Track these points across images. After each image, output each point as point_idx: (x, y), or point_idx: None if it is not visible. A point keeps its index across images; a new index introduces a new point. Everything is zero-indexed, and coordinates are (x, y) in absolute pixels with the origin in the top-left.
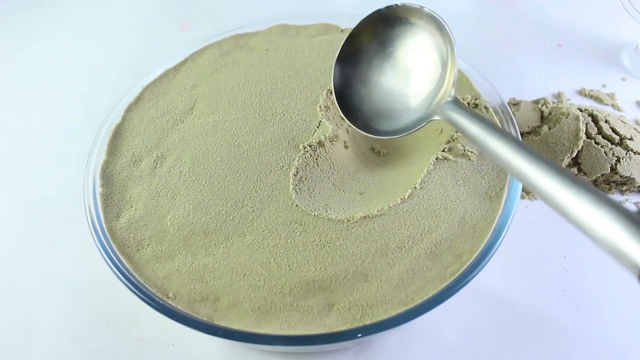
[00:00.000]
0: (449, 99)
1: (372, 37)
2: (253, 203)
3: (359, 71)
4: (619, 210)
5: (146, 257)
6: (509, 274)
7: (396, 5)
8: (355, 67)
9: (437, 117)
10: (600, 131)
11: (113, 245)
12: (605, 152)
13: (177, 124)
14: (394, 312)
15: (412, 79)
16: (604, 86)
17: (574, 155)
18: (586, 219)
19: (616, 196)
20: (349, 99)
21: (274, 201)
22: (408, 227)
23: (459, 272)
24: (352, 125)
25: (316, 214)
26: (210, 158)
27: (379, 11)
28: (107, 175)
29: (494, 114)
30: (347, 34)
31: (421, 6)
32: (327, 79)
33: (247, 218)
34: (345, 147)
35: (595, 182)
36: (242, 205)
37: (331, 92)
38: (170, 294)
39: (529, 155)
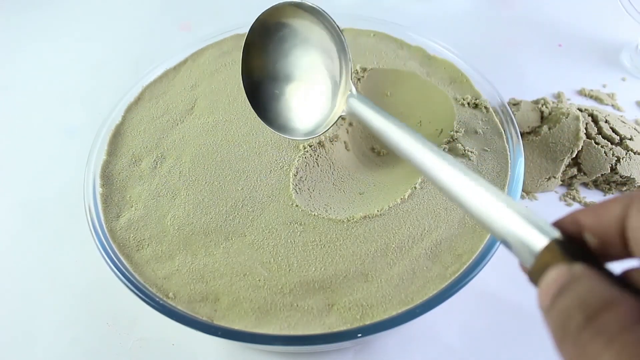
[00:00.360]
0: (349, 93)
1: (271, 33)
2: (253, 203)
3: (267, 69)
4: (510, 201)
5: (146, 257)
6: (509, 274)
7: (285, 2)
8: (261, 65)
9: (343, 113)
10: (600, 131)
11: (113, 245)
12: (605, 152)
13: (177, 124)
14: (394, 312)
15: (314, 77)
16: (604, 86)
17: (574, 156)
18: (483, 210)
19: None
20: (262, 98)
21: (274, 201)
22: (408, 227)
23: (459, 272)
24: (273, 129)
25: (316, 214)
26: (210, 158)
27: (274, 7)
28: (107, 175)
29: (494, 114)
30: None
31: (311, 4)
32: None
33: (247, 218)
34: (347, 149)
35: (595, 182)
36: (242, 205)
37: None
38: (170, 294)
39: (428, 147)
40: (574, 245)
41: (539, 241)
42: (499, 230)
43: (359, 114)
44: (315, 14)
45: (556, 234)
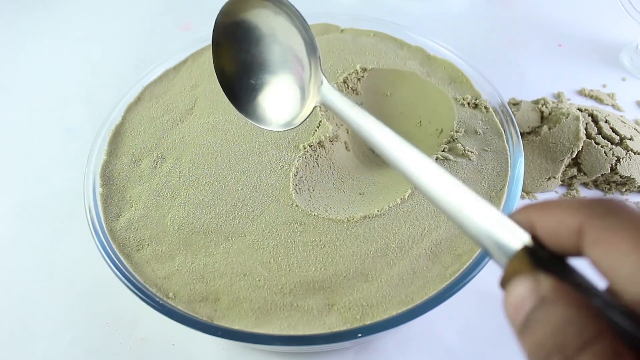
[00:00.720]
0: (320, 83)
1: (237, 25)
2: (253, 203)
3: (238, 61)
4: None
5: (146, 257)
6: None
7: None
8: (232, 56)
9: (316, 104)
10: (600, 131)
11: (113, 245)
12: (605, 152)
13: (177, 124)
14: (394, 312)
15: (285, 67)
16: (604, 86)
17: (574, 156)
18: (455, 205)
19: (616, 196)
20: (237, 91)
21: (274, 201)
22: (408, 227)
23: (459, 272)
24: (251, 121)
25: (316, 214)
26: (210, 158)
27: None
28: (107, 175)
29: (494, 114)
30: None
31: None
32: (327, 79)
33: (247, 218)
34: (347, 149)
35: (595, 182)
36: (242, 205)
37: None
38: (170, 294)
39: (398, 138)
40: (545, 251)
41: (510, 247)
42: (475, 235)
43: (330, 103)
44: (278, 3)
45: (527, 239)
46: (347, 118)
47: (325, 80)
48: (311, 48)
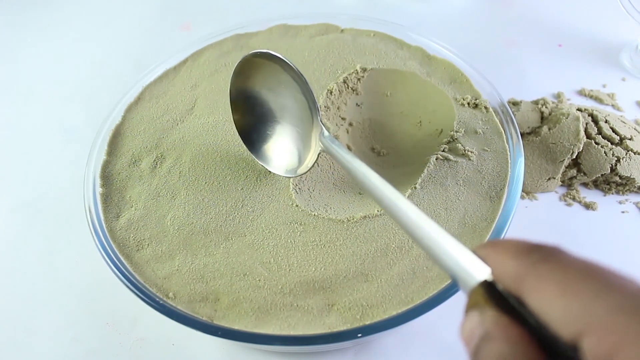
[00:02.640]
0: (321, 131)
1: (248, 81)
2: (253, 203)
3: (253, 113)
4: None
5: (146, 257)
6: None
7: (254, 53)
8: (247, 109)
9: (319, 150)
10: (600, 131)
11: (113, 245)
12: (605, 152)
13: (177, 124)
14: (394, 312)
15: (292, 119)
16: (604, 86)
17: (574, 157)
18: (431, 243)
19: (616, 196)
20: (252, 139)
21: (274, 201)
22: None
23: None
24: (265, 166)
25: (316, 214)
26: (210, 158)
27: (244, 58)
28: (107, 175)
29: (494, 114)
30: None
31: (273, 53)
32: (327, 79)
33: (247, 218)
34: (350, 150)
35: (595, 182)
36: (242, 205)
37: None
38: (170, 294)
39: (387, 186)
40: (502, 285)
41: (472, 280)
42: (446, 268)
43: (331, 151)
44: (281, 62)
45: (487, 274)
46: (344, 163)
47: (324, 130)
48: (312, 102)
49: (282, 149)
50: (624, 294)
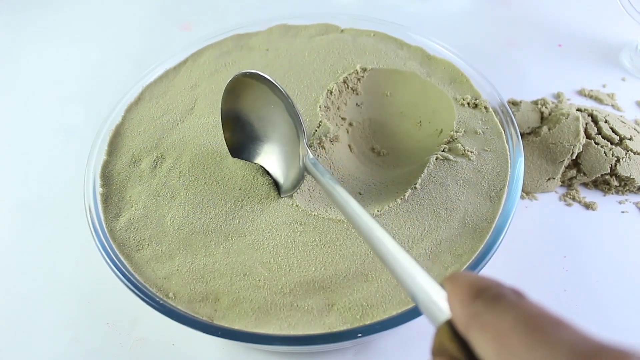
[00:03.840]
0: (306, 154)
1: (238, 101)
2: (252, 203)
3: (243, 133)
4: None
5: (146, 257)
6: (509, 274)
7: (244, 73)
8: (238, 128)
9: (305, 171)
10: (600, 131)
11: (113, 245)
12: (605, 152)
13: (177, 124)
14: (394, 312)
15: (282, 139)
16: (604, 86)
17: (574, 157)
18: (409, 279)
19: (616, 196)
20: (244, 156)
21: (274, 201)
22: (408, 227)
23: None
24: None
25: (316, 214)
26: (210, 158)
27: (235, 77)
28: (107, 175)
29: (493, 114)
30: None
31: (261, 74)
32: (327, 79)
33: (247, 218)
34: (352, 152)
35: (595, 182)
36: (241, 206)
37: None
38: (170, 294)
39: (366, 215)
40: None
41: (440, 316)
42: (417, 300)
43: (314, 175)
44: (269, 84)
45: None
46: (326, 187)
47: (309, 152)
48: (299, 124)
49: (270, 168)
50: (557, 349)
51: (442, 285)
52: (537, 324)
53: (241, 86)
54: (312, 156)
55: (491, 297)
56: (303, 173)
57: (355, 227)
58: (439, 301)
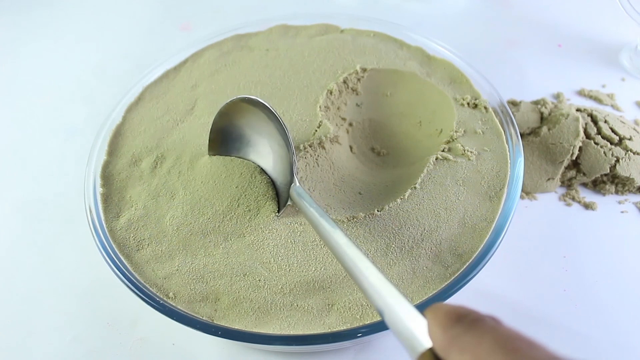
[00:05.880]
0: (293, 183)
1: (232, 125)
2: (249, 202)
3: (234, 148)
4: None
5: (146, 257)
6: (509, 274)
7: (242, 98)
8: (228, 142)
9: (289, 203)
10: (599, 131)
11: (113, 245)
12: (604, 152)
13: (178, 124)
14: None
15: (271, 158)
16: (604, 86)
17: (573, 158)
18: (382, 302)
19: (615, 196)
20: None
21: (274, 201)
22: (408, 227)
23: (459, 272)
24: None
25: None
26: (209, 158)
27: (230, 101)
28: (108, 175)
29: (493, 114)
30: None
31: (259, 100)
32: (327, 79)
33: (244, 217)
34: (353, 152)
35: (594, 182)
36: (238, 205)
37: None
38: (171, 294)
39: (351, 246)
40: None
41: (420, 347)
42: (396, 332)
43: (298, 204)
44: (262, 108)
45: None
46: (310, 217)
47: (297, 181)
48: (292, 153)
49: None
50: None
51: (423, 315)
52: (513, 346)
53: (236, 108)
54: (299, 185)
55: (470, 321)
56: (287, 201)
57: (338, 259)
58: (420, 332)
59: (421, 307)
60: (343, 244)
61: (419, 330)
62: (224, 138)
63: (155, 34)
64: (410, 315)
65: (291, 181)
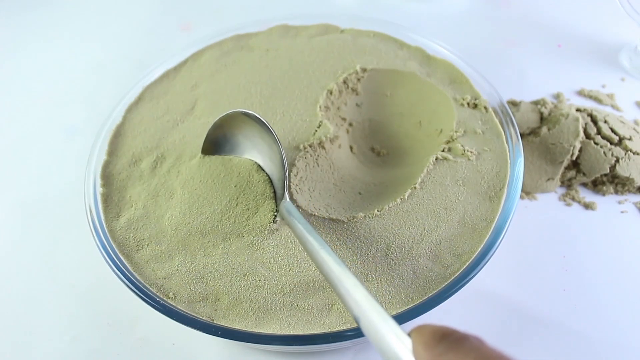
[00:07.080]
0: (283, 198)
1: (225, 137)
2: (247, 201)
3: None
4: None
5: (146, 257)
6: (509, 274)
7: (240, 111)
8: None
9: (277, 218)
10: (599, 131)
11: (113, 245)
12: (604, 152)
13: (178, 124)
14: (394, 312)
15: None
16: (603, 86)
17: (573, 158)
18: (368, 322)
19: (615, 196)
20: None
21: (271, 201)
22: (408, 227)
23: (459, 272)
24: None
25: (317, 214)
26: (209, 158)
27: (226, 114)
28: (108, 175)
29: (493, 115)
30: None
31: (256, 115)
32: (327, 80)
33: (242, 217)
34: (353, 152)
35: (594, 182)
36: (236, 204)
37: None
38: (171, 294)
39: (335, 259)
40: None
41: None
42: (382, 352)
43: (286, 219)
44: (258, 121)
45: None
46: (298, 234)
47: (287, 196)
48: (285, 170)
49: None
50: None
51: (408, 334)
52: None
53: (231, 120)
54: (289, 201)
55: (454, 340)
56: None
57: (325, 276)
58: (406, 355)
59: (421, 307)
60: (329, 261)
61: (403, 350)
62: (217, 149)
63: (155, 34)
64: (395, 334)
65: (282, 195)
